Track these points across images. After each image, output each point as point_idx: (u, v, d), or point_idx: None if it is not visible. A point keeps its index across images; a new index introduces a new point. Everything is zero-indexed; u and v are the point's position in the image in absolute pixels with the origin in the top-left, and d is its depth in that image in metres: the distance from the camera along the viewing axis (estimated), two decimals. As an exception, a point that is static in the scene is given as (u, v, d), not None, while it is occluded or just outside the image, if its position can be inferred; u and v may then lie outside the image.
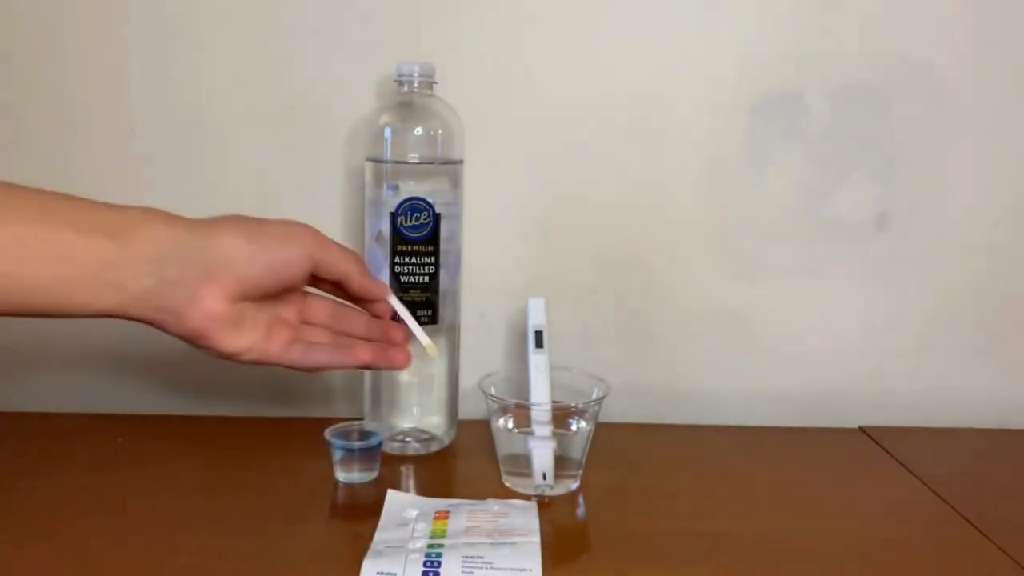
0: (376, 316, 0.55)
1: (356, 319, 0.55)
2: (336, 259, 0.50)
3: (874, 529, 0.59)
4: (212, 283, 0.46)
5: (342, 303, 0.55)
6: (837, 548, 0.56)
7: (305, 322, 0.54)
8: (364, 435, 0.64)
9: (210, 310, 0.46)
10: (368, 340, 0.55)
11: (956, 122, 0.78)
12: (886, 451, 0.73)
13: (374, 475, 0.64)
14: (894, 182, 0.79)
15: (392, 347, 0.54)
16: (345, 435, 0.63)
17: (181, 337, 0.47)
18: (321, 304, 0.54)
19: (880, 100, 0.77)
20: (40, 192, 0.44)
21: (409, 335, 0.56)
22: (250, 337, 0.49)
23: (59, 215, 0.43)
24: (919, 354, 0.82)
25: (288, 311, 0.52)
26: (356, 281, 0.51)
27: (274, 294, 0.50)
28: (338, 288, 0.53)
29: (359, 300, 0.54)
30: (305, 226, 0.50)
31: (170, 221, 0.46)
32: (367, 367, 0.53)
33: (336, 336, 0.54)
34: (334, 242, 0.51)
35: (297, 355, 0.51)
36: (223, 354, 0.48)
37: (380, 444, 0.64)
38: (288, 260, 0.48)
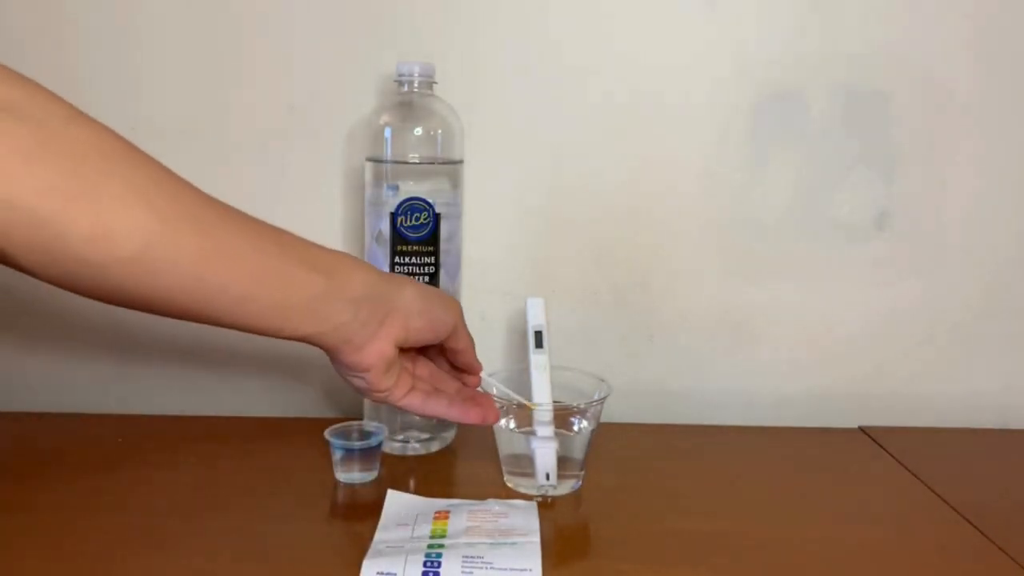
0: (466, 385, 0.62)
1: (450, 383, 0.62)
2: (465, 333, 0.59)
3: (874, 529, 0.59)
4: (390, 327, 0.53)
5: (439, 368, 0.62)
6: (837, 548, 0.56)
7: (414, 375, 0.60)
8: (364, 435, 0.64)
9: (381, 350, 0.53)
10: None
11: (956, 122, 0.78)
12: (886, 451, 0.73)
13: (374, 475, 0.64)
14: (894, 182, 0.79)
15: (488, 408, 0.60)
16: (345, 435, 0.63)
17: (348, 367, 0.54)
18: (427, 364, 0.61)
19: (880, 100, 0.77)
20: (268, 227, 0.50)
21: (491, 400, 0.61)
22: (391, 379, 0.55)
23: (291, 251, 0.50)
24: (919, 354, 0.82)
25: (408, 362, 0.59)
26: (468, 355, 0.60)
27: (418, 347, 0.58)
28: (444, 354, 0.61)
29: (457, 369, 0.62)
30: (455, 299, 0.59)
31: (367, 267, 0.54)
32: (469, 422, 0.59)
33: (436, 391, 0.61)
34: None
35: (417, 401, 0.57)
36: (373, 388, 0.55)
37: (380, 444, 0.64)
38: (444, 321, 0.56)
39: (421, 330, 0.55)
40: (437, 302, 0.56)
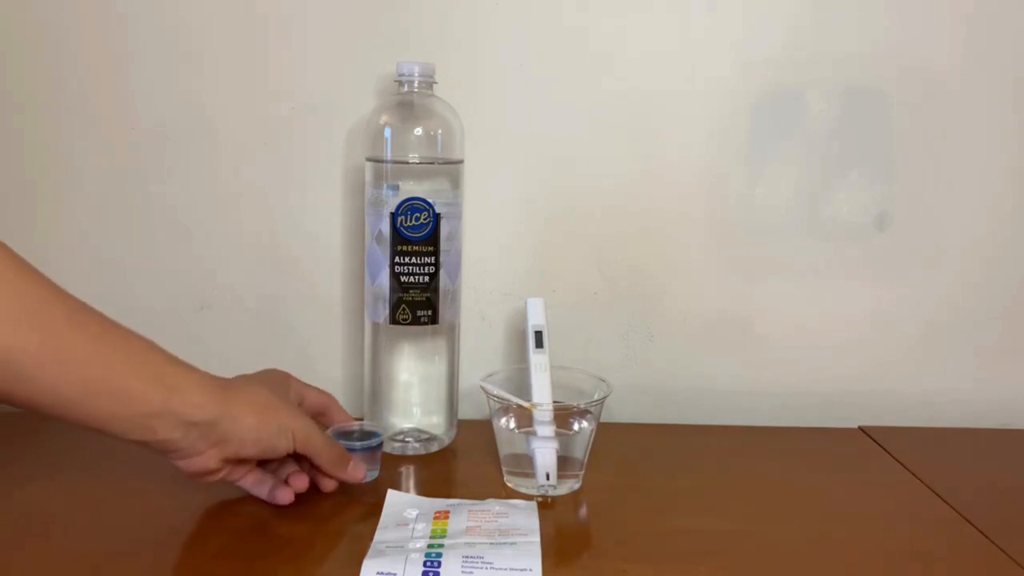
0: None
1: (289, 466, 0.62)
2: (316, 447, 0.59)
3: (874, 529, 0.59)
4: (220, 449, 0.54)
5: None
6: (837, 548, 0.56)
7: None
8: (365, 435, 0.64)
9: (205, 466, 0.54)
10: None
11: (956, 122, 0.78)
12: (886, 451, 0.73)
13: (375, 474, 0.64)
14: (894, 182, 0.79)
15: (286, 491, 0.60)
16: (346, 435, 0.64)
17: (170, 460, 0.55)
18: (256, 474, 0.61)
19: (880, 100, 0.77)
20: (127, 337, 0.51)
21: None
22: (224, 475, 0.57)
23: (137, 363, 0.51)
24: (919, 354, 0.82)
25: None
26: (322, 465, 0.60)
27: None
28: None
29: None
30: (306, 420, 0.59)
31: (212, 390, 0.54)
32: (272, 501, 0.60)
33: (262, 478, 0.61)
34: (323, 433, 0.60)
35: (232, 479, 0.59)
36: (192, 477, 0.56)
37: (381, 444, 0.64)
38: (277, 449, 0.56)
39: (252, 454, 0.56)
40: (275, 431, 0.56)
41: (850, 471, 0.69)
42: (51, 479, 0.62)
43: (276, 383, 0.61)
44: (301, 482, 0.60)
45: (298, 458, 0.60)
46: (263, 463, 0.60)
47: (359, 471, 0.61)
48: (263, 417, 0.56)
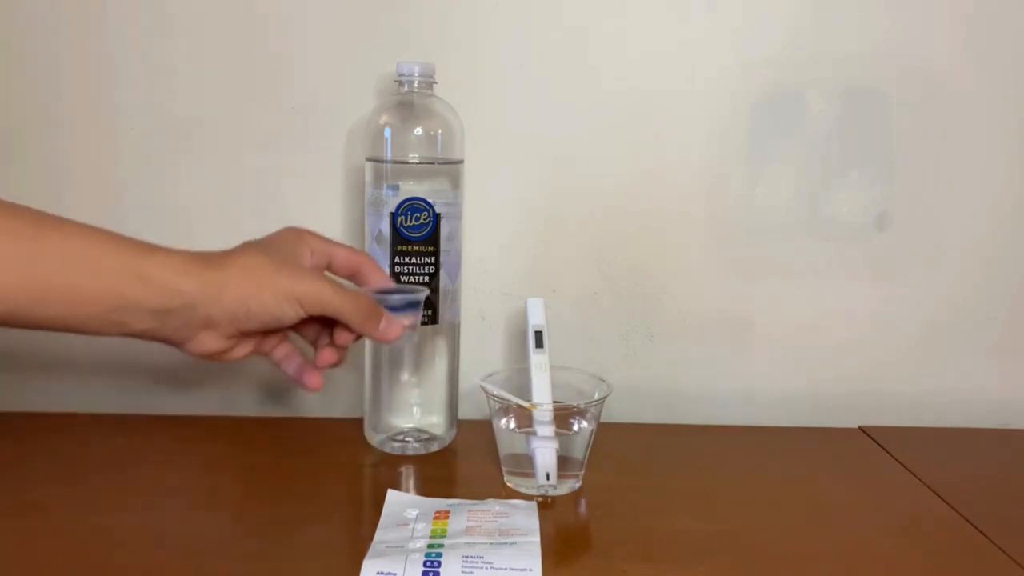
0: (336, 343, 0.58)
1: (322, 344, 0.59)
2: (337, 305, 0.54)
3: (874, 529, 0.59)
4: (211, 330, 0.51)
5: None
6: (837, 548, 0.56)
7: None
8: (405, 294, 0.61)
9: (207, 349, 0.52)
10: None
11: (956, 123, 0.78)
12: (886, 451, 0.73)
13: (415, 335, 0.61)
14: (894, 182, 0.79)
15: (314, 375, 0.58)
16: (384, 296, 0.59)
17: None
18: (286, 346, 0.59)
19: (880, 100, 0.77)
20: (63, 231, 0.49)
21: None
22: (239, 352, 0.55)
23: (73, 259, 0.48)
24: (919, 354, 0.82)
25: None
26: (349, 322, 0.55)
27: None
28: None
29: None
30: (315, 280, 0.53)
31: (184, 273, 0.50)
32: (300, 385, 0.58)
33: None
34: (342, 290, 0.54)
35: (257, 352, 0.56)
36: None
37: (421, 301, 0.60)
38: (281, 318, 0.52)
39: (255, 328, 0.52)
40: (270, 300, 0.52)
41: (850, 471, 0.69)
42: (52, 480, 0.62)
43: (284, 244, 0.56)
44: (325, 358, 0.56)
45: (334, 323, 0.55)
46: (307, 329, 0.56)
47: (393, 328, 0.56)
48: (253, 286, 0.51)
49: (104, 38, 0.74)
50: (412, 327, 0.59)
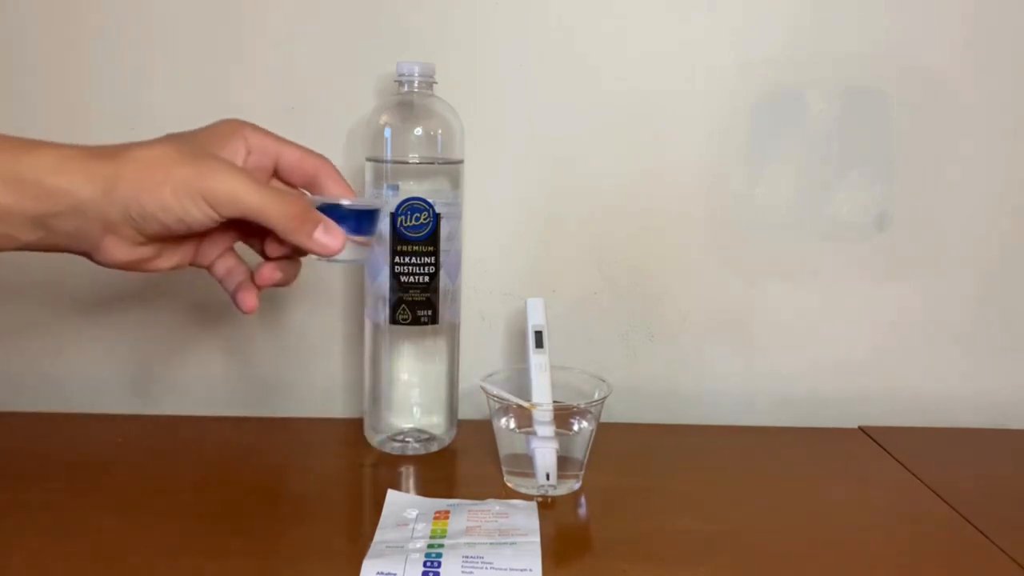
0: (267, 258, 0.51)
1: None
2: (258, 209, 0.45)
3: (874, 529, 0.59)
4: (114, 235, 0.44)
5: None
6: (837, 548, 0.56)
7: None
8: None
9: (118, 259, 0.45)
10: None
11: (956, 122, 0.78)
12: (886, 451, 0.73)
13: (364, 255, 0.51)
14: (894, 182, 0.79)
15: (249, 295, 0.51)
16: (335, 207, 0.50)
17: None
18: (229, 260, 0.51)
19: (880, 100, 0.77)
20: None
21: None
22: (163, 262, 0.48)
23: None
24: (919, 354, 0.81)
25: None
26: (284, 236, 0.47)
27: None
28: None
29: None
30: (229, 174, 0.45)
31: (68, 171, 0.43)
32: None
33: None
34: (264, 187, 0.46)
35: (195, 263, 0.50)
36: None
37: (376, 213, 0.51)
38: (185, 218, 0.44)
39: (160, 232, 0.45)
40: (169, 197, 0.43)
41: (850, 471, 0.69)
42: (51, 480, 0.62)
43: (210, 136, 0.49)
44: (264, 276, 0.49)
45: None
46: (253, 240, 0.48)
47: (334, 238, 0.47)
48: (148, 181, 0.43)
49: (107, 37, 0.74)
50: (363, 244, 0.50)
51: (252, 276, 0.51)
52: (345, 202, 0.49)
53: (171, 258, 0.47)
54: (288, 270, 0.51)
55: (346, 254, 0.49)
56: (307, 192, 0.52)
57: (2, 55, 0.73)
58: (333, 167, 0.51)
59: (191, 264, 0.48)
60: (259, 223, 0.46)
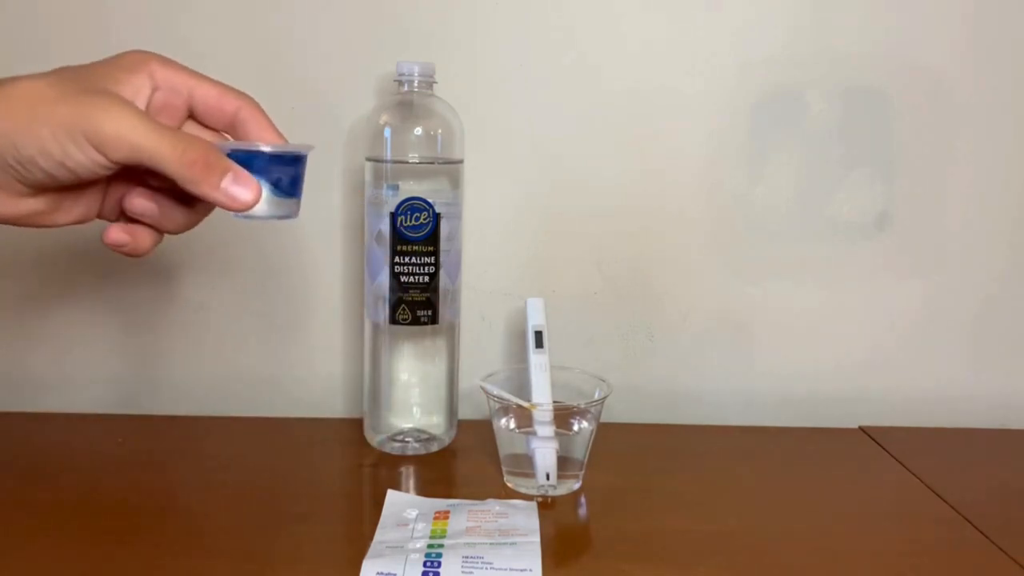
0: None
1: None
2: (152, 152, 0.39)
3: (874, 529, 0.59)
4: None
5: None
6: (837, 548, 0.56)
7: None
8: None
9: (3, 213, 0.40)
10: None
11: (956, 122, 0.78)
12: (886, 451, 0.73)
13: (288, 210, 0.43)
14: (894, 182, 0.79)
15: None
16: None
17: None
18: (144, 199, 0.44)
19: (880, 100, 0.77)
20: None
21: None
22: (62, 216, 0.42)
23: None
24: (919, 354, 0.82)
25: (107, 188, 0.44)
26: (184, 184, 0.40)
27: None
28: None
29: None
30: (119, 111, 0.39)
31: None
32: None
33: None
34: (161, 127, 0.39)
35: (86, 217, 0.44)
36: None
37: (301, 159, 0.44)
38: (66, 162, 0.39)
39: (44, 180, 0.39)
40: (48, 138, 0.38)
41: (850, 471, 0.69)
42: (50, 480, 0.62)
43: (106, 69, 0.42)
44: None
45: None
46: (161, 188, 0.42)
47: (245, 188, 0.40)
48: (23, 120, 0.38)
49: (106, 36, 0.74)
50: (281, 196, 0.43)
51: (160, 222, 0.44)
52: (264, 148, 0.41)
53: (70, 212, 0.42)
54: (191, 217, 0.45)
55: (264, 209, 0.43)
56: (229, 137, 0.46)
57: (2, 55, 0.73)
58: (258, 107, 0.45)
59: (98, 217, 0.43)
60: (154, 168, 0.39)
